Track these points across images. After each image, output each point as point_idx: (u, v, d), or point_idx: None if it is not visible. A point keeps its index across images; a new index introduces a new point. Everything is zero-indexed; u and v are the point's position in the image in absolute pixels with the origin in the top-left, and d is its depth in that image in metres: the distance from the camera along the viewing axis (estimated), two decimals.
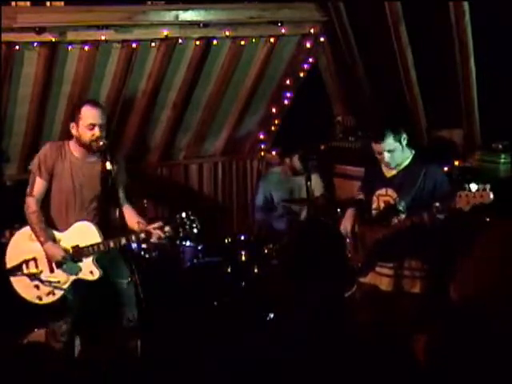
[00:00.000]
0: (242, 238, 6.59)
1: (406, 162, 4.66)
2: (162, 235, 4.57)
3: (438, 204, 4.31)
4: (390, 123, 4.70)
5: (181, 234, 4.61)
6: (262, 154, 7.77)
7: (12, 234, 6.17)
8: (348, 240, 4.81)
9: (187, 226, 4.54)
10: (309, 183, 5.80)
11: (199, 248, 6.28)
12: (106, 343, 4.88)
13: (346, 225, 4.82)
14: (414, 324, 4.58)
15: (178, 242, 6.20)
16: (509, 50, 5.31)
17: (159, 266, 6.14)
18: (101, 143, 4.58)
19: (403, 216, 4.50)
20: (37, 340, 4.81)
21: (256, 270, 6.20)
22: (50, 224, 4.70)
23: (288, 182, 6.65)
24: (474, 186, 4.11)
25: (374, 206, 4.69)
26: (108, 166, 4.52)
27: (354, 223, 4.77)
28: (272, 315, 5.85)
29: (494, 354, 4.45)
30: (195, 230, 4.56)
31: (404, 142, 4.62)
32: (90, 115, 4.61)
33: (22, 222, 6.10)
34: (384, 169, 4.72)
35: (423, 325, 4.59)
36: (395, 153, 4.59)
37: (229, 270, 6.22)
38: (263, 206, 6.77)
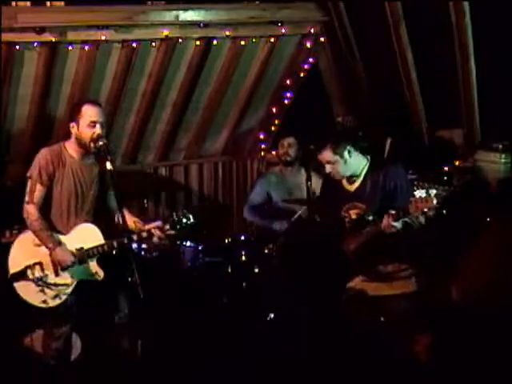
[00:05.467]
0: (242, 238, 6.58)
1: (364, 172, 4.62)
2: (163, 235, 4.60)
3: (392, 211, 4.32)
4: (335, 135, 4.70)
5: (179, 229, 4.66)
6: (262, 153, 7.77)
7: (12, 235, 6.20)
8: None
9: (183, 221, 4.61)
10: (309, 183, 5.79)
11: (199, 248, 6.28)
12: (105, 343, 4.87)
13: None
14: (405, 325, 4.57)
15: (178, 242, 6.20)
16: (509, 50, 5.31)
17: (159, 266, 6.13)
18: (100, 143, 4.57)
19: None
20: (35, 341, 4.80)
21: (256, 270, 6.19)
22: (51, 228, 4.69)
23: (287, 182, 6.63)
24: (418, 193, 4.17)
25: (347, 220, 4.66)
26: (108, 165, 4.51)
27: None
28: (272, 315, 5.85)
29: (495, 354, 4.45)
30: (190, 222, 4.63)
31: (348, 156, 4.56)
32: (91, 113, 4.59)
33: (22, 222, 6.10)
34: (344, 184, 4.69)
35: (412, 325, 4.58)
36: (337, 165, 4.56)
37: (229, 270, 6.22)
38: (256, 205, 6.73)
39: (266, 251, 6.28)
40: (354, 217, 4.60)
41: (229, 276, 6.19)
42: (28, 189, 4.67)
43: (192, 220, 4.64)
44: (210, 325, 5.61)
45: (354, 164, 4.60)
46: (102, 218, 4.71)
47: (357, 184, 4.63)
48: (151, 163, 7.37)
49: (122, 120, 6.77)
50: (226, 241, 6.55)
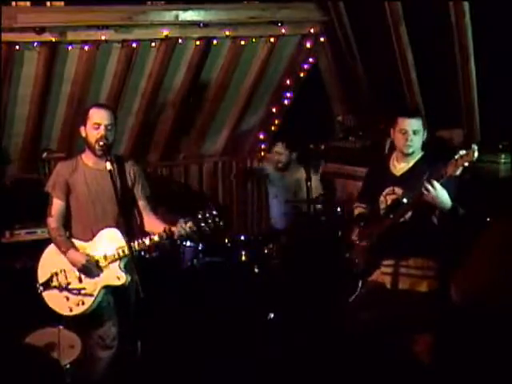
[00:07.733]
0: (242, 238, 6.58)
1: (415, 159, 4.65)
2: (183, 231, 4.51)
3: (426, 177, 4.32)
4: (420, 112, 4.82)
5: (206, 229, 4.55)
6: (262, 153, 7.77)
7: (12, 235, 6.20)
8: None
9: (210, 221, 4.52)
10: (309, 183, 5.80)
11: (199, 248, 6.28)
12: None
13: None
14: (417, 323, 4.57)
15: (178, 242, 6.19)
16: (509, 50, 5.31)
17: (159, 266, 6.13)
18: (101, 143, 4.57)
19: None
20: (39, 340, 4.80)
21: (256, 270, 6.19)
22: (75, 236, 4.71)
23: (285, 179, 6.67)
24: (461, 152, 4.16)
25: (383, 206, 4.69)
26: (108, 166, 4.51)
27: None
28: (272, 315, 5.85)
29: (495, 354, 4.45)
30: (221, 224, 4.56)
31: (424, 136, 4.62)
32: (95, 116, 4.62)
33: (22, 222, 6.11)
34: (392, 166, 4.70)
35: (427, 324, 4.58)
36: (417, 137, 4.57)
37: (229, 270, 6.22)
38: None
39: (266, 251, 6.29)
40: (389, 202, 4.63)
41: (229, 276, 6.19)
42: (48, 202, 4.74)
43: (221, 221, 4.53)
44: (210, 325, 5.61)
45: (420, 144, 4.64)
46: (132, 221, 4.71)
47: (403, 170, 4.66)
48: (151, 163, 7.37)
49: (122, 120, 6.77)
50: (226, 241, 6.55)
